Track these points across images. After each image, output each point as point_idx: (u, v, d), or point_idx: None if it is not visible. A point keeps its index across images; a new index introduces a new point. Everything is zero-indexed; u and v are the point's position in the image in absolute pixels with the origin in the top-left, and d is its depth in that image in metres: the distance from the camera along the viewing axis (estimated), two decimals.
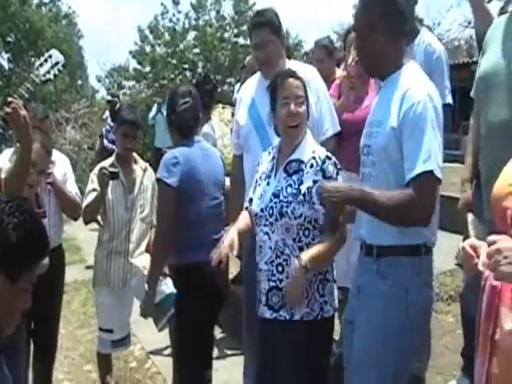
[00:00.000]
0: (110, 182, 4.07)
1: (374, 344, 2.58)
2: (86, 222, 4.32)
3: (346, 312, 2.89)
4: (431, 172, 2.46)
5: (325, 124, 3.77)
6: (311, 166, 2.96)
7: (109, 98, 11.11)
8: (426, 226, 2.52)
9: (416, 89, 2.53)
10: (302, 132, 3.05)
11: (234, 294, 4.47)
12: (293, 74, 3.05)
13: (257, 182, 3.19)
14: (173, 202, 3.51)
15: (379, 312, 2.58)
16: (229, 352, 5.07)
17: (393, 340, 2.54)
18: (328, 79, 4.41)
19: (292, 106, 2.98)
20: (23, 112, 2.81)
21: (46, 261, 3.74)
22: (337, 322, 3.95)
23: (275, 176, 3.05)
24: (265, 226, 3.00)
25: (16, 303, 1.85)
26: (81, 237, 9.00)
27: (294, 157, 3.01)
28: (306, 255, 2.84)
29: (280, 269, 2.96)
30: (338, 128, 3.87)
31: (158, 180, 3.59)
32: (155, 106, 11.65)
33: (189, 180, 3.52)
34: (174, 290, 4.23)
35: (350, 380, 2.74)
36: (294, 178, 2.97)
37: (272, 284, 2.99)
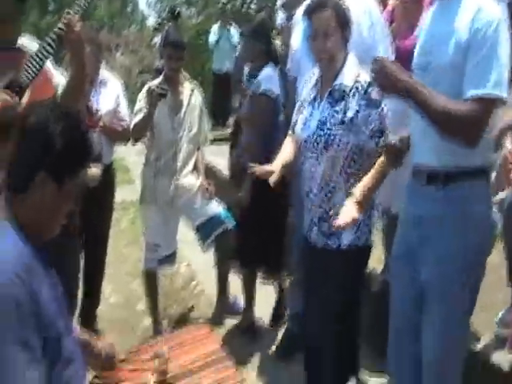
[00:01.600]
0: (158, 101, 4.06)
1: (442, 275, 2.51)
2: (135, 141, 4.38)
3: (399, 245, 2.76)
4: (498, 98, 2.34)
5: (378, 50, 3.65)
6: (355, 91, 2.89)
7: (156, 25, 11.24)
8: (469, 147, 2.40)
9: (490, 8, 2.38)
10: (338, 61, 2.95)
11: None
12: (322, 6, 2.92)
13: (301, 106, 3.13)
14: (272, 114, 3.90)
15: (451, 242, 2.49)
16: None
17: (467, 270, 2.48)
18: (381, 4, 4.25)
19: (319, 41, 2.90)
20: (77, 28, 2.80)
21: (98, 173, 3.84)
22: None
23: (319, 104, 2.99)
24: (312, 153, 2.95)
25: (62, 207, 1.87)
26: (130, 159, 9.08)
27: (336, 83, 2.93)
28: (358, 191, 2.80)
29: (329, 196, 2.95)
30: (392, 55, 3.74)
31: (262, 94, 4.00)
32: (216, 29, 11.47)
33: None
34: (221, 212, 4.27)
35: (413, 318, 2.69)
36: (339, 106, 2.90)
37: (321, 212, 2.98)
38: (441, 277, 2.48)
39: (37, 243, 1.84)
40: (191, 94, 4.37)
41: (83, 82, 3.06)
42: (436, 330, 2.50)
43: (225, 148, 6.30)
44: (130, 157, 8.96)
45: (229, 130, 7.85)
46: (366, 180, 2.83)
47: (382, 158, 2.82)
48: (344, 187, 2.91)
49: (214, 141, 5.09)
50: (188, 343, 2.46)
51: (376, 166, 2.83)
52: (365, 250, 3.04)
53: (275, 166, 3.04)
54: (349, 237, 2.94)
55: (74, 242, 3.52)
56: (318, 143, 2.91)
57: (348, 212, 2.75)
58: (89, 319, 4.21)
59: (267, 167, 3.06)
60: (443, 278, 2.47)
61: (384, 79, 2.47)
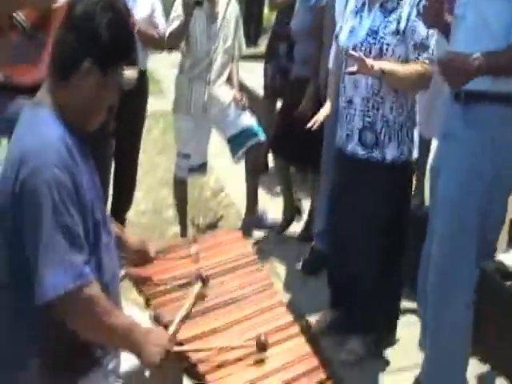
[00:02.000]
0: (194, 10, 3.99)
1: (454, 191, 2.52)
2: (169, 49, 4.33)
3: (433, 159, 2.85)
4: None
5: None
6: (409, 1, 2.84)
7: None
8: None
9: None
10: None
11: None
12: None
13: (347, 14, 3.06)
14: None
15: (463, 160, 2.50)
16: None
17: (474, 188, 2.47)
18: None
19: None
20: None
21: (134, 76, 3.82)
22: None
23: (369, 13, 2.92)
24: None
25: (104, 97, 1.88)
26: (161, 70, 9.02)
27: None
28: (391, 64, 2.76)
29: (376, 107, 2.92)
30: None
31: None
32: None
33: None
34: (254, 124, 4.26)
35: (433, 225, 2.72)
36: (392, 16, 2.85)
37: (366, 122, 2.95)
38: (452, 192, 2.50)
39: (77, 133, 1.86)
40: (228, 5, 4.29)
41: None
42: (445, 227, 2.54)
43: (255, 66, 6.26)
44: (161, 68, 8.89)
45: (261, 49, 7.75)
46: (403, 66, 2.79)
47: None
48: (393, 97, 2.89)
49: (245, 58, 5.01)
50: (218, 246, 2.51)
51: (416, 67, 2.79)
52: (408, 165, 3.02)
53: None
54: (392, 151, 2.94)
55: (109, 142, 3.56)
56: (369, 50, 2.86)
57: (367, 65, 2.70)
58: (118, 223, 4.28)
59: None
60: (454, 193, 2.49)
61: (455, 76, 2.39)
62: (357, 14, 2.98)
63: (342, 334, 3.33)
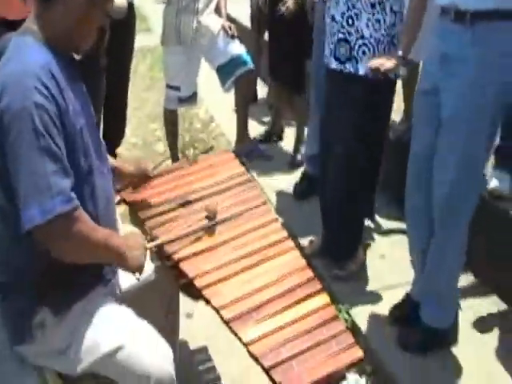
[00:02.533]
0: None
1: (463, 109, 2.49)
2: None
3: (424, 81, 2.75)
4: None
5: None
6: None
7: None
8: None
9: None
10: None
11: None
12: None
13: None
14: None
15: (470, 76, 2.47)
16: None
17: (482, 104, 2.46)
18: None
19: None
20: None
21: (125, 5, 3.76)
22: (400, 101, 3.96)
23: None
24: None
25: (92, 18, 1.83)
26: (147, 8, 8.89)
27: None
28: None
29: (350, 22, 2.92)
30: None
31: None
32: None
33: None
34: (243, 53, 4.22)
35: (414, 145, 2.73)
36: None
37: (341, 36, 2.96)
38: (463, 110, 2.49)
39: (66, 58, 1.84)
40: None
41: None
42: (455, 151, 2.52)
43: None
44: (147, 5, 8.76)
45: None
46: (407, 34, 2.78)
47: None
48: (369, 13, 2.88)
49: None
50: (211, 168, 2.53)
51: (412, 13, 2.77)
52: (385, 81, 2.97)
53: None
54: (366, 67, 2.90)
55: (102, 76, 3.53)
56: None
57: (384, 62, 2.73)
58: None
59: None
60: (465, 111, 2.48)
61: None
62: None
63: (329, 258, 3.40)
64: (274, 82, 4.56)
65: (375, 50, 2.92)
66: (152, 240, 2.10)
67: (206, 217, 2.20)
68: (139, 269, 1.92)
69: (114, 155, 4.36)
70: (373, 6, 2.87)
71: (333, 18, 2.99)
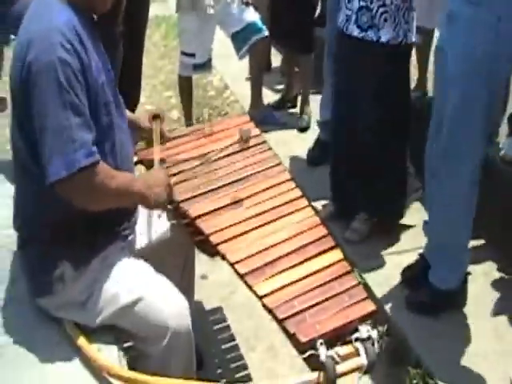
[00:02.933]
0: None
1: (463, 67, 2.52)
2: None
3: (437, 40, 2.84)
4: None
5: None
6: None
7: None
8: None
9: None
10: None
11: (317, 38, 4.44)
12: None
13: None
14: None
15: (469, 37, 2.50)
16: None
17: (480, 65, 2.48)
18: None
19: None
20: None
21: None
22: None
23: None
24: None
25: None
26: None
27: None
28: None
29: None
30: None
31: None
32: None
33: None
34: (258, 20, 4.22)
35: (438, 104, 2.75)
36: None
37: (362, 3, 2.96)
38: (462, 74, 2.52)
39: (87, 17, 1.88)
40: None
41: None
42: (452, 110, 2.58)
43: None
44: None
45: None
46: None
47: None
48: None
49: None
50: (227, 130, 2.56)
51: None
52: (405, 47, 3.03)
53: None
54: (388, 32, 2.95)
55: (119, 43, 3.55)
56: None
57: None
58: None
59: None
60: (464, 74, 2.51)
61: None
62: None
63: (346, 220, 3.43)
64: (281, 46, 4.58)
65: (395, 17, 2.93)
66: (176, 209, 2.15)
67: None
68: (161, 206, 1.99)
69: None
70: None
71: None
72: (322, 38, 4.20)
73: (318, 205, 3.60)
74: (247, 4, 4.25)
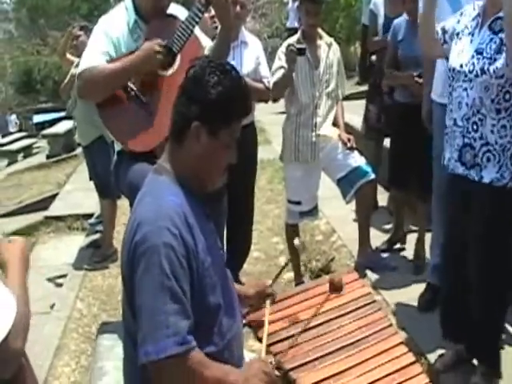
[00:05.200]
0: (297, 58, 4.08)
1: None
2: (274, 100, 4.40)
3: None
4: None
5: None
6: None
7: None
8: None
9: None
10: None
11: None
12: None
13: (458, 34, 3.05)
14: None
15: None
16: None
17: None
18: None
19: None
20: None
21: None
22: None
23: (479, 33, 2.91)
24: (463, 81, 2.90)
25: (219, 157, 1.93)
26: (265, 119, 9.22)
27: (500, 14, 2.81)
28: None
29: (475, 127, 2.88)
30: None
31: None
32: None
33: None
34: (363, 163, 4.27)
35: None
36: (500, 35, 2.80)
37: (466, 141, 2.92)
38: None
39: (198, 197, 1.94)
40: (329, 49, 4.35)
41: (229, 43, 3.20)
42: None
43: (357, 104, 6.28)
44: (265, 117, 9.08)
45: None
46: None
47: None
48: (494, 119, 2.83)
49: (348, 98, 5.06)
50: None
51: None
52: (510, 190, 2.90)
53: None
54: (491, 172, 2.86)
55: (222, 199, 3.66)
56: (471, 70, 2.86)
57: None
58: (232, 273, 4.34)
59: None
60: None
61: None
62: (469, 34, 2.97)
63: (464, 371, 3.23)
64: (397, 191, 4.54)
65: (500, 157, 2.86)
66: (278, 367, 2.09)
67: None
68: None
69: (238, 271, 4.44)
70: (498, 111, 2.83)
71: (455, 122, 2.97)
72: None
73: (432, 354, 3.41)
74: (351, 149, 4.32)
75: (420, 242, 4.51)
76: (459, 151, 2.96)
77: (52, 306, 4.85)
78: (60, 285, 5.38)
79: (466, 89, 2.89)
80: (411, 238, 4.81)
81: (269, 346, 2.24)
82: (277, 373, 2.08)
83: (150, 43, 2.95)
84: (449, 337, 3.32)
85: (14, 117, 27.74)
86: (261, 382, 1.87)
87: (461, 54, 2.95)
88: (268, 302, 2.31)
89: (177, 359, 1.72)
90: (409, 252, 4.75)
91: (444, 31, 3.12)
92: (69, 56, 5.88)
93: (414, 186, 4.41)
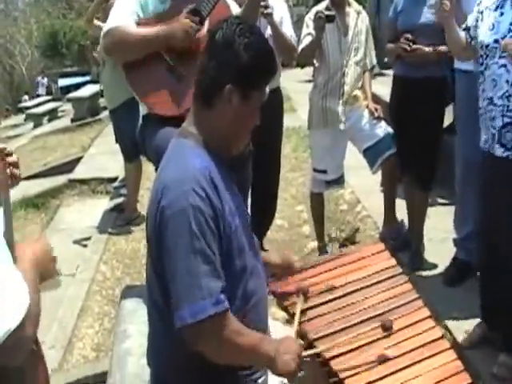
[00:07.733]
0: (326, 25, 4.00)
1: None
2: (302, 66, 4.34)
3: None
4: None
5: None
6: None
7: None
8: None
9: None
10: None
11: (447, 143, 4.32)
12: None
13: (482, 12, 2.95)
14: None
15: None
16: (440, 201, 4.97)
17: None
18: None
19: None
20: None
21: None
22: None
23: (511, 6, 2.79)
24: (500, 57, 2.79)
25: (249, 120, 1.92)
26: (290, 87, 9.12)
27: None
28: None
29: None
30: None
31: None
32: None
33: None
34: (390, 133, 4.19)
35: None
36: None
37: (506, 120, 2.81)
38: None
39: (223, 160, 1.91)
40: (358, 17, 4.26)
41: (258, 9, 3.16)
42: None
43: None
44: (290, 84, 8.98)
45: None
46: None
47: None
48: None
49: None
50: (361, 260, 2.47)
51: None
52: None
53: None
54: None
55: (247, 164, 3.62)
56: None
57: None
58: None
59: None
60: None
61: None
62: (497, 9, 2.86)
63: (493, 347, 3.17)
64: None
65: None
66: (308, 346, 2.06)
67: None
68: (288, 375, 1.88)
69: (261, 237, 4.42)
70: None
71: (491, 101, 2.86)
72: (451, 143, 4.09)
73: (459, 330, 3.36)
74: (379, 118, 4.24)
75: (416, 234, 4.31)
76: (499, 132, 2.85)
77: (77, 268, 4.89)
78: (86, 245, 5.43)
79: (503, 65, 2.77)
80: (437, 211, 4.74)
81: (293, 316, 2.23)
82: (301, 341, 2.06)
83: (186, 21, 2.89)
84: (485, 313, 3.24)
85: (46, 80, 27.91)
86: (292, 361, 1.84)
87: (493, 29, 2.84)
88: (301, 297, 2.25)
89: (213, 321, 1.71)
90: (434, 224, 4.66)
91: (468, 29, 3.04)
92: (96, 22, 5.84)
93: (414, 172, 4.20)
